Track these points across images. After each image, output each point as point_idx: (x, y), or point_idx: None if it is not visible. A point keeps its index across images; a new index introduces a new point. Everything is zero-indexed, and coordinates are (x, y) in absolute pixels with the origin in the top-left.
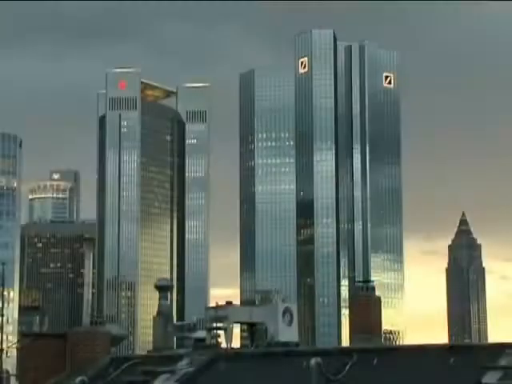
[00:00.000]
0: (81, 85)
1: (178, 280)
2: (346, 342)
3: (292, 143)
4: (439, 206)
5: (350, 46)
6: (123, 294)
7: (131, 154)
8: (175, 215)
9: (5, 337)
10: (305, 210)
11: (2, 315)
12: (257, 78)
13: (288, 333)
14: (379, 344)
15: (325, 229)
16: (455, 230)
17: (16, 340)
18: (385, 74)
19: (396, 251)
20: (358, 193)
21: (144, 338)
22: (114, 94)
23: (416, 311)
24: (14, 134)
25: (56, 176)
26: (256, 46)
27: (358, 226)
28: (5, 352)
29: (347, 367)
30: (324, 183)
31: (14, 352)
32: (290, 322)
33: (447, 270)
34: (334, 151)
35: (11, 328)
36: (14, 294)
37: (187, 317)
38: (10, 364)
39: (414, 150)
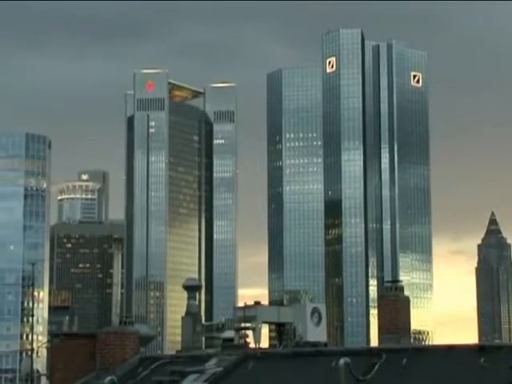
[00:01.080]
0: (108, 85)
1: (206, 280)
2: (374, 342)
3: (320, 143)
4: (468, 205)
5: (378, 45)
6: (152, 294)
7: (159, 154)
8: (203, 215)
9: (35, 337)
10: (333, 210)
11: (33, 315)
12: (284, 77)
13: (316, 333)
14: (408, 344)
15: (353, 228)
16: (484, 229)
17: (46, 340)
18: (413, 73)
19: (425, 251)
20: (386, 192)
21: (172, 338)
22: (141, 94)
23: (445, 311)
24: (43, 135)
25: (84, 177)
26: (283, 45)
27: (387, 226)
28: (35, 352)
29: (376, 367)
30: (352, 183)
31: (44, 352)
32: (319, 322)
33: (477, 270)
34: (361, 151)
35: (41, 328)
36: (43, 294)
37: (215, 317)
38: (41, 364)
39: (443, 150)
